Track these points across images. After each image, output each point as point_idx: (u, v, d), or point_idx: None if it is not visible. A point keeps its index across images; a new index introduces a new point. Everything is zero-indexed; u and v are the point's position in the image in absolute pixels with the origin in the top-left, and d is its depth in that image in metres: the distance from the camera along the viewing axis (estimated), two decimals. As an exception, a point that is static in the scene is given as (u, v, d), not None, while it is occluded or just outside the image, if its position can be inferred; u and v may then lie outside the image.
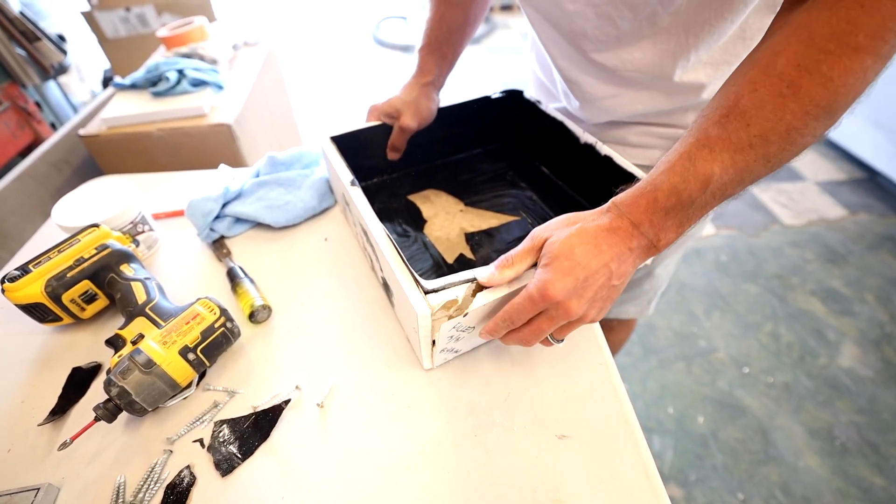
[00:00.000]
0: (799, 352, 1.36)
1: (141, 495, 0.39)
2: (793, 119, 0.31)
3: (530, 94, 0.69)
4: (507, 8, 3.84)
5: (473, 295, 0.40)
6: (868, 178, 1.97)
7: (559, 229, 0.38)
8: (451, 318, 0.40)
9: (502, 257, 0.40)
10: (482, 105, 0.69)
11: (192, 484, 0.40)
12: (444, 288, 0.40)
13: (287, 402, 0.45)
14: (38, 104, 1.38)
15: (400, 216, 0.64)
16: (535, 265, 0.39)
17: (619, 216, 0.37)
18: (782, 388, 1.27)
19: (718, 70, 0.52)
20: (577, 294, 0.36)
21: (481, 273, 0.40)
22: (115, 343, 0.45)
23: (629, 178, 0.52)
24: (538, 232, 0.40)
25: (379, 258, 0.48)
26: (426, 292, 0.39)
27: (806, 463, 1.12)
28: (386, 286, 0.51)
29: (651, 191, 0.36)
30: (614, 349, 1.11)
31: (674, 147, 0.36)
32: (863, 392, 1.25)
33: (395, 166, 0.70)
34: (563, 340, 0.41)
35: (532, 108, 0.66)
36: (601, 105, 0.60)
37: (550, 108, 0.64)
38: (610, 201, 0.39)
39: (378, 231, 0.46)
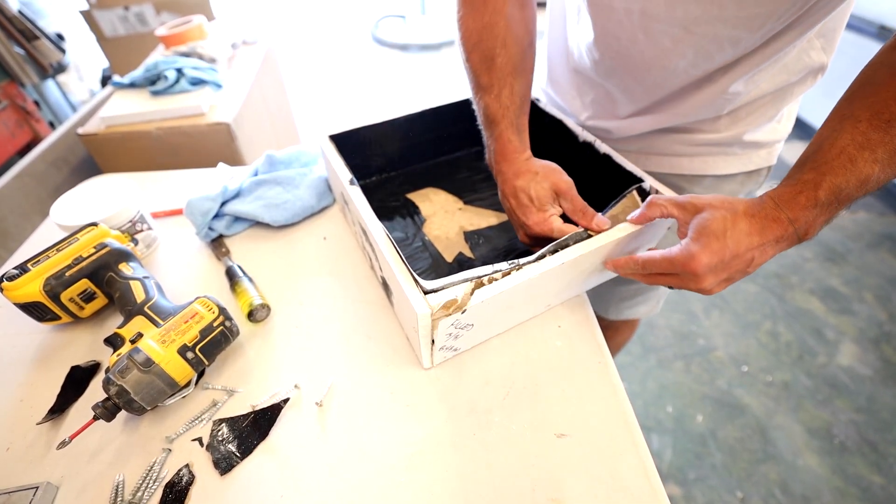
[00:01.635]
0: (798, 350, 1.36)
1: (140, 494, 0.39)
2: None
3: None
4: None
5: (472, 293, 0.40)
6: (867, 177, 1.97)
7: (716, 207, 0.40)
8: (449, 314, 0.40)
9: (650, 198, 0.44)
10: (481, 104, 0.69)
11: (190, 482, 0.40)
12: (443, 288, 0.40)
13: (286, 401, 0.45)
14: (36, 103, 1.38)
15: (399, 214, 0.64)
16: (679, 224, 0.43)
17: (777, 209, 0.38)
18: (781, 387, 1.27)
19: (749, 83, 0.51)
20: (716, 272, 0.38)
21: (633, 214, 0.45)
22: (113, 342, 0.45)
23: (628, 177, 0.52)
24: (694, 198, 0.42)
25: (378, 258, 0.48)
26: (426, 292, 0.40)
27: (805, 461, 1.12)
28: (385, 285, 0.51)
29: (812, 189, 0.37)
30: (617, 349, 1.11)
31: (823, 141, 0.37)
32: (862, 391, 1.25)
33: (395, 165, 0.70)
34: (672, 287, 0.43)
35: (531, 107, 0.66)
36: (641, 121, 0.59)
37: (550, 107, 0.64)
38: (765, 195, 0.40)
39: (377, 231, 0.46)
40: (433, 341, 0.43)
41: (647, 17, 0.47)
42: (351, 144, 0.61)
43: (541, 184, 0.50)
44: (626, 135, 0.62)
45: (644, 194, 0.50)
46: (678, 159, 0.61)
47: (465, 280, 0.40)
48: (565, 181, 0.51)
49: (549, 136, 0.64)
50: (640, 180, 0.51)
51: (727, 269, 0.39)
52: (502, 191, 0.53)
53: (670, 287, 0.43)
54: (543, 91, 0.73)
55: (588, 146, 0.57)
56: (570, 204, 0.50)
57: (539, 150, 0.70)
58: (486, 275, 0.41)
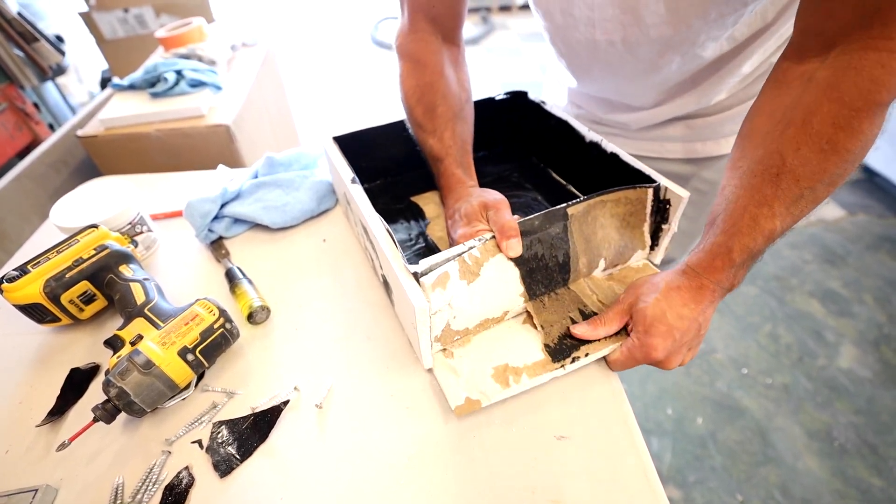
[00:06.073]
0: (798, 353, 1.36)
1: (139, 496, 0.39)
2: (834, 168, 0.36)
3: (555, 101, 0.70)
4: (505, 8, 3.85)
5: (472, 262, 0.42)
6: (866, 179, 1.97)
7: (645, 294, 0.44)
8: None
9: (595, 318, 0.46)
10: (486, 107, 0.69)
11: (190, 485, 0.40)
12: (430, 269, 0.41)
13: (286, 403, 0.45)
14: (36, 105, 1.38)
15: (403, 217, 0.64)
16: (625, 329, 0.46)
17: (699, 278, 0.42)
18: (781, 390, 1.27)
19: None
20: (676, 350, 0.43)
21: (577, 328, 0.46)
22: (113, 344, 0.45)
23: (636, 176, 0.52)
24: (625, 296, 0.46)
25: (378, 254, 0.48)
26: (415, 275, 0.40)
27: (805, 464, 1.12)
28: (386, 285, 0.51)
29: (725, 253, 0.41)
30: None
31: (727, 202, 0.41)
32: (861, 393, 1.25)
33: (399, 168, 0.70)
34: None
35: (537, 109, 0.66)
36: (655, 112, 0.63)
37: (556, 108, 0.64)
38: (685, 264, 0.44)
39: (376, 224, 0.46)
40: (434, 340, 0.43)
41: (629, 44, 0.53)
42: (354, 147, 0.61)
43: (471, 202, 0.50)
44: (644, 125, 0.66)
45: (658, 197, 0.50)
46: (692, 144, 0.65)
47: (448, 259, 0.42)
48: (494, 197, 0.50)
49: (555, 138, 0.64)
50: (647, 177, 0.50)
51: (683, 343, 0.42)
52: (445, 220, 0.55)
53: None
54: (568, 105, 0.76)
55: (595, 146, 0.57)
56: (494, 216, 0.47)
57: (546, 153, 0.70)
58: (464, 251, 0.43)
